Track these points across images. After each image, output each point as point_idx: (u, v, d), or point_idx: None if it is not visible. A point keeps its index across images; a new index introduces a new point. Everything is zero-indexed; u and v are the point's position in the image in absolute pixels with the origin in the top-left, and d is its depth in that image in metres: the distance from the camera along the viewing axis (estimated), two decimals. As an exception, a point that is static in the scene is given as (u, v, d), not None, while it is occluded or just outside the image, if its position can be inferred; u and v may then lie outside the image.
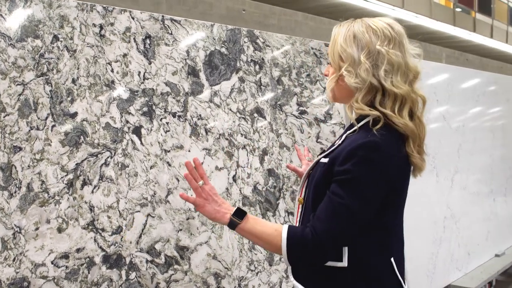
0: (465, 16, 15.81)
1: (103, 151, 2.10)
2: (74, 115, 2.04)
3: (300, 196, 1.65)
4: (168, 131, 2.30)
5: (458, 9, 15.48)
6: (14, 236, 1.85)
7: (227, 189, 2.47)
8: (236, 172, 2.51)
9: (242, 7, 9.19)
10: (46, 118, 1.97)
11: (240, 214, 1.53)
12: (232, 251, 2.43)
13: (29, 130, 1.93)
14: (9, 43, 1.92)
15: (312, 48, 2.98)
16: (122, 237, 2.11)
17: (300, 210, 1.64)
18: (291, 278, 1.61)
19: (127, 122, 2.18)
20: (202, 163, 2.38)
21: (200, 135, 2.40)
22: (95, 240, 2.04)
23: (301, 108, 2.84)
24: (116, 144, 2.14)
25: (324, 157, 1.54)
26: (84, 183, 2.04)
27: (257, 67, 2.69)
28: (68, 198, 1.99)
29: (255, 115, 2.63)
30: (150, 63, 2.28)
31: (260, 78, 2.69)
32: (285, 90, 2.79)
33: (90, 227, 2.03)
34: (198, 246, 2.32)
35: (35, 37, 1.98)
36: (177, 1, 8.11)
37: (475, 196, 4.35)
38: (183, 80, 2.38)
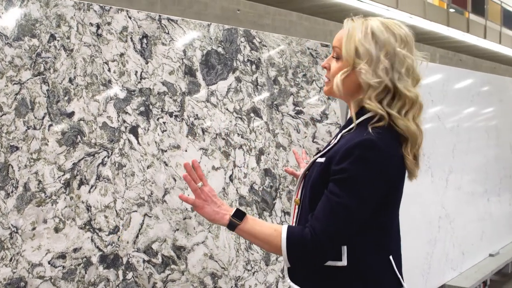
0: (458, 16, 15.87)
1: (100, 151, 2.09)
2: (71, 115, 2.04)
3: (297, 197, 1.65)
4: (165, 130, 2.30)
5: (451, 10, 15.55)
6: (11, 236, 1.85)
7: (223, 189, 2.47)
8: (232, 172, 2.51)
9: (236, 7, 9.20)
10: (43, 117, 1.96)
11: (239, 215, 1.53)
12: (229, 251, 2.43)
13: (26, 130, 1.92)
14: (6, 42, 1.91)
15: (308, 48, 2.98)
16: (119, 237, 2.10)
17: (296, 210, 1.64)
18: (288, 279, 1.61)
19: (124, 121, 2.18)
20: (199, 163, 2.38)
21: (197, 135, 2.40)
22: (92, 240, 2.03)
23: (297, 108, 2.85)
24: (113, 143, 2.13)
25: (320, 156, 1.54)
26: (81, 183, 2.03)
27: (253, 67, 2.69)
28: (65, 198, 1.98)
29: (252, 115, 2.64)
30: (147, 63, 2.28)
31: (256, 78, 2.69)
32: (281, 90, 2.80)
33: (87, 227, 2.03)
34: (195, 246, 2.32)
35: (32, 36, 1.97)
36: (172, 1, 8.10)
37: (469, 196, 4.37)
38: (180, 79, 2.38)
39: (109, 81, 2.16)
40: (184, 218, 2.30)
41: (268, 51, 2.77)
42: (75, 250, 1.98)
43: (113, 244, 2.08)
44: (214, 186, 2.41)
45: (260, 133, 2.65)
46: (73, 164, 2.02)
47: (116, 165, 2.13)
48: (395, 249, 1.57)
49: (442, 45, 15.75)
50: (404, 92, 1.46)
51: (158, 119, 2.28)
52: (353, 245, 1.47)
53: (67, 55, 2.05)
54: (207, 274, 2.34)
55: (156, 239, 2.20)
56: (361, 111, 1.50)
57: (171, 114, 2.33)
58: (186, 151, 2.35)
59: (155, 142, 2.26)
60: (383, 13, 11.63)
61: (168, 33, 2.37)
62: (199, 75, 2.46)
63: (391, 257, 1.53)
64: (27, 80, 1.94)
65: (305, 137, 2.85)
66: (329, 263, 1.48)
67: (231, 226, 1.52)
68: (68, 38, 2.06)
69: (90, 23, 2.13)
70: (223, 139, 2.50)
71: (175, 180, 2.29)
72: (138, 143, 2.20)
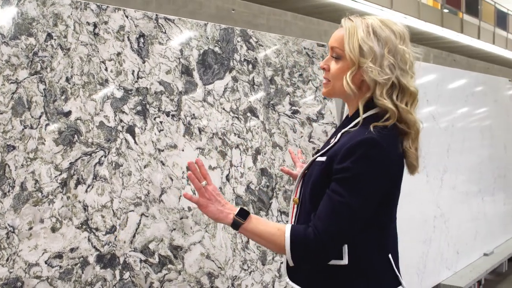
0: (452, 17, 15.93)
1: (97, 150, 2.09)
2: (68, 114, 2.03)
3: (295, 196, 1.65)
4: (162, 130, 2.29)
5: (445, 10, 15.60)
6: (8, 235, 1.84)
7: (220, 188, 2.47)
8: (229, 172, 2.51)
9: (231, 6, 9.20)
10: (40, 116, 1.96)
11: (243, 214, 1.53)
12: (226, 251, 2.43)
13: (23, 129, 1.91)
14: (3, 41, 1.90)
15: (305, 48, 2.99)
16: (116, 236, 2.10)
17: (295, 210, 1.64)
18: (287, 279, 1.61)
19: (121, 121, 2.17)
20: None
21: (194, 134, 2.40)
22: (89, 240, 2.03)
23: (293, 107, 2.85)
24: (110, 143, 2.13)
25: (321, 155, 1.54)
26: (78, 183, 2.03)
27: (250, 66, 2.69)
28: (62, 198, 1.98)
29: (248, 114, 2.64)
30: (144, 62, 2.28)
31: (253, 77, 2.69)
32: (277, 89, 2.80)
33: (84, 227, 2.02)
34: (192, 245, 2.32)
35: (29, 35, 1.96)
36: (167, 0, 8.09)
37: (464, 196, 4.39)
38: (176, 79, 2.38)
39: (106, 80, 2.15)
40: (181, 218, 2.30)
41: (265, 51, 2.78)
42: (72, 250, 1.98)
43: (110, 244, 2.08)
44: (211, 186, 2.41)
45: (257, 132, 2.65)
46: (70, 163, 2.01)
47: (113, 165, 2.12)
48: (393, 248, 1.58)
49: (436, 46, 15.81)
50: (408, 87, 1.47)
51: (155, 119, 2.27)
52: (354, 243, 1.48)
53: (64, 54, 2.04)
54: (204, 273, 2.34)
55: (153, 239, 2.20)
56: (364, 108, 1.50)
57: (168, 114, 2.32)
58: (183, 150, 2.35)
59: (152, 141, 2.25)
60: (377, 14, 11.66)
61: (165, 33, 2.37)
62: (196, 74, 2.45)
63: (390, 256, 1.54)
64: (24, 79, 1.93)
65: (301, 136, 2.86)
66: (331, 262, 1.48)
67: (235, 225, 1.52)
68: (65, 37, 2.05)
69: (87, 22, 2.13)
70: (220, 138, 2.49)
71: (172, 179, 2.29)
72: (135, 142, 2.20)
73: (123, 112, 2.18)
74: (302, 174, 1.64)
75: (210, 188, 1.55)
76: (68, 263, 1.96)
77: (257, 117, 2.67)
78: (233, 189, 2.51)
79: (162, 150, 2.28)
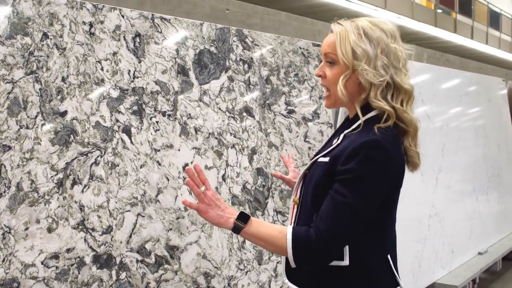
0: (446, 17, 15.99)
1: (93, 150, 2.08)
2: (64, 114, 2.02)
3: (295, 197, 1.64)
4: (158, 130, 2.29)
5: (439, 10, 15.65)
6: (4, 236, 1.83)
7: (216, 188, 2.46)
8: (225, 171, 2.51)
9: (225, 6, 9.19)
10: (36, 116, 1.95)
11: (243, 218, 1.52)
12: (222, 251, 2.43)
13: (19, 129, 1.90)
14: (-2, 40, 1.89)
15: (300, 48, 2.99)
16: (112, 236, 2.09)
17: (295, 210, 1.63)
18: (286, 280, 1.61)
19: (117, 121, 2.17)
20: (191, 162, 2.38)
21: (190, 134, 2.40)
22: (85, 240, 2.02)
23: (289, 107, 2.85)
24: (106, 143, 2.12)
25: (323, 156, 1.54)
26: (74, 183, 2.02)
27: (246, 66, 2.69)
28: (58, 198, 1.97)
29: (244, 114, 2.63)
30: (140, 62, 2.27)
31: (249, 77, 2.69)
32: (273, 89, 2.80)
33: (80, 227, 2.01)
34: (188, 245, 2.32)
35: (25, 34, 1.95)
36: (162, 0, 8.08)
37: (458, 195, 4.41)
38: (172, 79, 2.37)
39: (102, 80, 2.14)
40: (177, 218, 2.29)
41: (260, 51, 2.78)
42: (68, 250, 1.97)
43: (106, 244, 2.07)
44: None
45: (253, 132, 2.65)
46: (66, 163, 2.00)
47: (109, 165, 2.12)
48: (392, 249, 1.58)
49: (429, 45, 15.85)
50: (402, 85, 1.47)
51: (151, 118, 2.27)
52: (355, 244, 1.48)
53: (59, 54, 2.03)
54: (200, 273, 2.34)
55: (149, 239, 2.20)
56: (364, 110, 1.50)
57: (164, 114, 2.32)
58: (179, 150, 2.34)
59: (148, 141, 2.25)
60: (371, 13, 11.68)
61: (161, 32, 2.37)
62: (191, 74, 2.45)
63: (389, 257, 1.54)
64: (20, 79, 1.92)
65: (297, 136, 2.86)
66: (332, 263, 1.48)
67: (236, 230, 1.51)
68: (61, 36, 2.05)
69: (83, 21, 2.12)
70: (216, 138, 2.49)
71: (168, 179, 2.28)
72: (131, 142, 2.19)
73: (119, 112, 2.18)
74: (303, 174, 1.64)
75: (209, 194, 1.53)
76: (65, 264, 1.96)
77: (253, 116, 2.67)
78: (229, 189, 2.51)
79: (158, 150, 2.28)
